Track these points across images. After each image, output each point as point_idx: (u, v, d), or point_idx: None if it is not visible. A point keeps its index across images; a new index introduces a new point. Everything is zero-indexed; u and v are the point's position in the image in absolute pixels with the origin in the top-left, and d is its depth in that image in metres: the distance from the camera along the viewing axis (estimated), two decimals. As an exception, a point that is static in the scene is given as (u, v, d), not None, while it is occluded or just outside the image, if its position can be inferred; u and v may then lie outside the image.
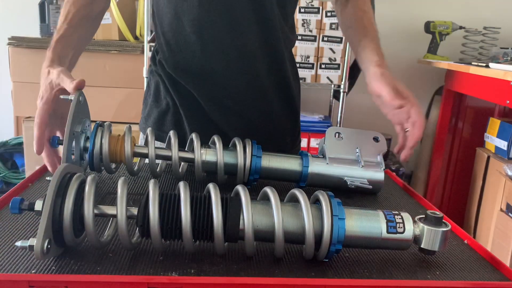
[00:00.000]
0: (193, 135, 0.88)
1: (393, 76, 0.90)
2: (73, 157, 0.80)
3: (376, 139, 0.93)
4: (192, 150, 0.88)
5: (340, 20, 1.12)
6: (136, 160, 0.91)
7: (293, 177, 0.89)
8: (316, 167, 0.88)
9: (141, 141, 1.12)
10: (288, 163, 0.89)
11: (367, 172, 0.89)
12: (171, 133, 0.87)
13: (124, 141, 0.83)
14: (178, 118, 1.05)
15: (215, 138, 0.88)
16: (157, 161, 0.88)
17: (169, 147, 0.86)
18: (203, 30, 0.97)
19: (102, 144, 0.82)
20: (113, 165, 0.88)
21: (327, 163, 0.89)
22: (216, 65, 1.00)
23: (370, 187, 0.89)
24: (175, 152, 0.85)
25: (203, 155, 0.86)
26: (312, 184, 0.90)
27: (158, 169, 0.90)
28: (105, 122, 0.86)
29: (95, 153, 0.82)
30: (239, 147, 0.87)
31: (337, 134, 0.92)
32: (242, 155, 0.86)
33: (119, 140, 0.84)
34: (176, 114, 1.06)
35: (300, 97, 1.15)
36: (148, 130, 0.87)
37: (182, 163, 0.91)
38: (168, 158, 0.86)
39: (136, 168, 0.90)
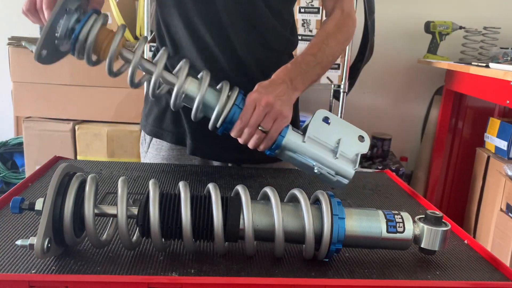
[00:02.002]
0: (182, 62, 0.83)
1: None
2: (57, 34, 0.76)
3: (361, 138, 0.87)
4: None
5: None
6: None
7: None
8: (292, 139, 0.84)
9: (142, 139, 1.15)
10: None
11: (338, 165, 0.84)
12: (183, 62, 0.83)
13: (114, 36, 0.78)
14: (177, 116, 1.07)
15: (204, 72, 0.83)
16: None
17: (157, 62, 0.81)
18: (199, 38, 1.00)
19: (91, 30, 0.77)
20: (94, 58, 0.82)
21: (304, 141, 0.84)
22: (211, 70, 1.01)
23: (335, 179, 0.84)
24: (159, 68, 0.79)
25: (186, 82, 0.81)
26: (281, 156, 0.86)
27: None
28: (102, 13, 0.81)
29: (80, 37, 0.76)
30: (224, 93, 0.82)
31: (325, 118, 0.87)
32: (224, 100, 0.82)
33: (110, 33, 0.79)
34: (175, 111, 1.06)
35: (299, 97, 1.15)
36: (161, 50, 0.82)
37: (164, 85, 0.85)
38: (151, 72, 0.81)
39: (115, 70, 0.84)
